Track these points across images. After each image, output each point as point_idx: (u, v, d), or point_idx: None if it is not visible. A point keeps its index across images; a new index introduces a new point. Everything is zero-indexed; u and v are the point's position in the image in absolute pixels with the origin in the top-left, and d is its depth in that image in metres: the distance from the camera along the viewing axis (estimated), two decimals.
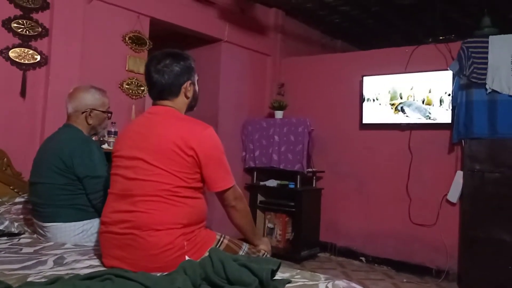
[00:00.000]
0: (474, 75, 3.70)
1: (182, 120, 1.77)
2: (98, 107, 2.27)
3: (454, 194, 3.85)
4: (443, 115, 3.93)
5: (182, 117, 1.80)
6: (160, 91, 1.80)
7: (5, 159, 2.86)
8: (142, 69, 3.69)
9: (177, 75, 1.79)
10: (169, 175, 1.65)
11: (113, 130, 3.24)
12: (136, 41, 3.69)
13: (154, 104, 1.84)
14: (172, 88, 1.79)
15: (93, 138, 2.39)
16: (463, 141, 3.78)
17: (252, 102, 4.96)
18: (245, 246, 1.89)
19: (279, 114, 4.74)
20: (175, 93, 1.80)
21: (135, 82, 3.68)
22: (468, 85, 3.74)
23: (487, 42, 3.67)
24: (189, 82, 1.83)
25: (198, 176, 1.71)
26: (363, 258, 4.39)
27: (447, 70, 3.89)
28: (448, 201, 3.91)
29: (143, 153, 1.68)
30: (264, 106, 5.06)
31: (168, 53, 1.82)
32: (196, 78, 1.89)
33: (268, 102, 4.98)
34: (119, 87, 3.59)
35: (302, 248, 4.34)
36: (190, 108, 1.91)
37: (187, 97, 1.84)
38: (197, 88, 1.91)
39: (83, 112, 2.23)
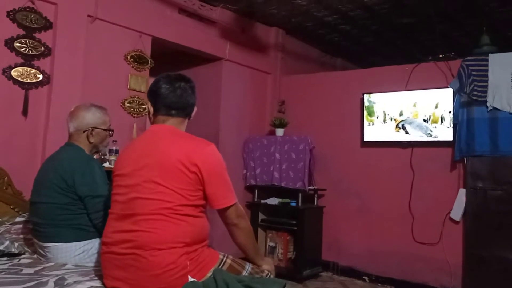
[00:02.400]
0: (475, 92, 3.71)
1: (185, 137, 1.79)
2: (99, 125, 2.27)
3: (457, 212, 3.82)
4: (444, 132, 3.93)
5: (184, 135, 1.81)
6: (171, 108, 1.81)
7: (6, 178, 2.85)
8: (143, 88, 3.71)
9: (191, 96, 1.87)
10: (172, 192, 1.64)
11: (114, 148, 3.23)
12: (138, 60, 3.71)
13: (155, 122, 1.85)
14: (187, 107, 1.85)
15: (95, 157, 2.38)
16: (465, 158, 3.78)
17: (253, 120, 4.96)
18: (248, 266, 1.86)
19: (280, 131, 4.74)
20: (186, 113, 1.86)
21: (136, 101, 3.69)
22: (469, 102, 3.76)
23: (487, 60, 3.70)
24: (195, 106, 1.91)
25: (200, 194, 1.70)
26: (366, 278, 4.34)
27: (448, 88, 3.91)
28: (451, 219, 3.88)
29: (145, 171, 1.68)
30: (265, 123, 5.07)
31: (182, 76, 1.88)
32: None
33: (269, 120, 4.98)
34: (121, 106, 3.60)
35: (304, 267, 4.29)
36: None
37: (189, 118, 1.89)
38: None
39: (84, 131, 2.23)
